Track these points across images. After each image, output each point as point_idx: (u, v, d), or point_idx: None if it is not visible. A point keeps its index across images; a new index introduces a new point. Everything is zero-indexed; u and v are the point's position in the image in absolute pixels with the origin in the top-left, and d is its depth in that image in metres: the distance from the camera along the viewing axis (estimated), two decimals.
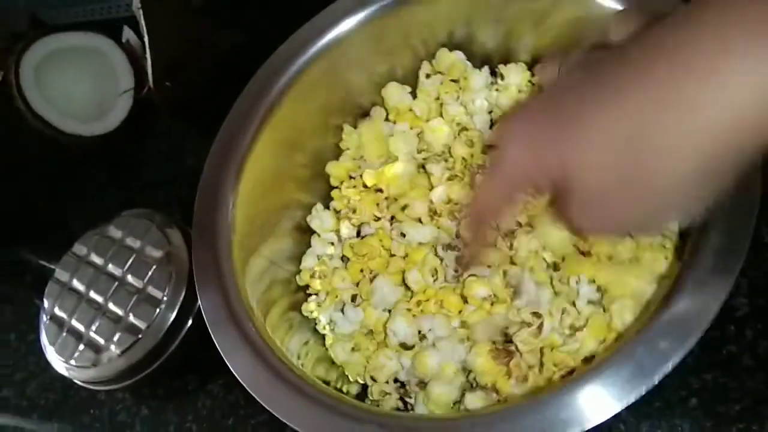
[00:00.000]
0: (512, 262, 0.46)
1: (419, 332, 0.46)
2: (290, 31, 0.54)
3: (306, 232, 0.55)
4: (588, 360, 0.41)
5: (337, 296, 0.50)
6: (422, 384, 0.45)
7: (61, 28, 0.72)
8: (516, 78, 0.53)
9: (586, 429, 0.34)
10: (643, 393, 0.34)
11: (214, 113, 0.54)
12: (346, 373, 0.48)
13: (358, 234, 0.54)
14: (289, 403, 0.40)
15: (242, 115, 0.51)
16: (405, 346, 0.46)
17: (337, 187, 0.56)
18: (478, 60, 0.55)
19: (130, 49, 0.73)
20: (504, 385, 0.42)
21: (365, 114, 0.57)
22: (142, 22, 0.64)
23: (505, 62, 0.54)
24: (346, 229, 0.53)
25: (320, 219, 0.54)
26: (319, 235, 0.55)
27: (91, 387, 0.56)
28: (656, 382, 0.34)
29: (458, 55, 0.54)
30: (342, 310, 0.50)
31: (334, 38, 0.52)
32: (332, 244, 0.54)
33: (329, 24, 0.52)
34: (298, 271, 0.54)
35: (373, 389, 0.46)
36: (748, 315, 0.44)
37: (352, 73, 0.55)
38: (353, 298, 0.49)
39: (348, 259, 0.52)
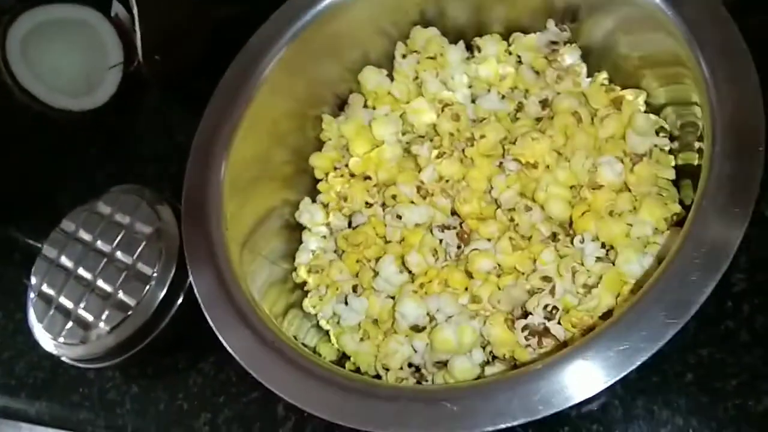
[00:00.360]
0: (515, 230, 0.45)
1: (428, 314, 0.45)
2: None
3: (296, 229, 0.54)
4: (605, 316, 0.41)
5: (337, 288, 0.49)
6: (439, 364, 0.44)
7: (47, 1, 0.70)
8: (493, 48, 0.52)
9: (574, 403, 0.33)
10: (637, 365, 0.33)
11: (205, 88, 0.53)
12: (357, 365, 0.47)
13: (350, 225, 0.53)
14: (284, 376, 0.39)
15: (220, 112, 0.49)
16: (416, 329, 0.45)
17: (322, 180, 0.55)
18: (452, 36, 0.54)
19: (119, 23, 0.71)
20: (522, 354, 0.42)
21: (343, 103, 0.56)
22: None
23: (479, 35, 0.54)
24: (338, 221, 0.52)
25: (309, 213, 0.53)
26: (310, 230, 0.53)
27: (80, 365, 0.55)
28: (655, 351, 0.33)
29: (432, 31, 0.53)
30: (345, 302, 0.49)
31: (301, 26, 0.51)
32: (324, 237, 0.53)
33: (297, 13, 0.51)
34: (293, 269, 0.52)
35: (389, 378, 0.45)
36: (746, 291, 0.44)
37: (324, 61, 0.54)
38: (354, 288, 0.49)
39: (343, 250, 0.51)
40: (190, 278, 0.44)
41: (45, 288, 0.56)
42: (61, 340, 0.53)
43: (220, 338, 0.41)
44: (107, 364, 0.54)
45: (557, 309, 0.41)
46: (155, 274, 0.53)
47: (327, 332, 0.50)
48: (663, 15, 0.41)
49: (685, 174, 0.45)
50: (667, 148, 0.46)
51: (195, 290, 0.43)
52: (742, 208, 0.34)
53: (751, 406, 0.41)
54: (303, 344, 0.46)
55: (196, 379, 0.55)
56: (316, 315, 0.50)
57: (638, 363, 0.32)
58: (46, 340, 0.55)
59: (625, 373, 0.32)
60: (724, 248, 0.33)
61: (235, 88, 0.50)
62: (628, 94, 0.48)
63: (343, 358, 0.49)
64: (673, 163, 0.46)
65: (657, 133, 0.46)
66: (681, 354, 0.43)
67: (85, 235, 0.57)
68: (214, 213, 0.46)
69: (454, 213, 0.49)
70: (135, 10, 0.63)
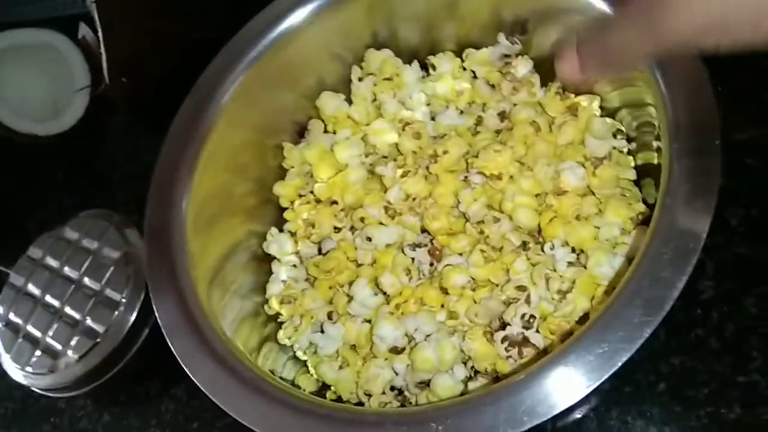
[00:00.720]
0: (486, 243, 0.45)
1: (406, 334, 0.45)
2: None
3: (264, 260, 0.53)
4: (582, 319, 0.41)
5: (312, 317, 0.48)
6: (422, 384, 0.44)
7: (14, 25, 0.69)
8: (447, 66, 0.53)
9: (556, 413, 0.33)
10: (614, 370, 0.33)
11: (172, 110, 0.53)
12: (338, 394, 0.46)
13: (320, 251, 0.52)
14: (251, 406, 0.38)
15: (178, 146, 0.48)
16: (395, 351, 0.44)
17: (287, 208, 0.54)
18: (405, 56, 0.55)
19: (87, 46, 0.71)
20: (503, 366, 0.42)
21: (302, 130, 0.56)
22: (96, 15, 0.62)
23: (432, 54, 0.54)
24: (307, 248, 0.52)
25: (278, 243, 0.52)
26: (279, 260, 0.53)
27: (51, 394, 0.54)
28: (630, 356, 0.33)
29: (386, 53, 0.54)
30: (321, 330, 0.48)
31: (255, 56, 0.50)
32: (294, 266, 0.52)
33: (250, 42, 0.50)
34: (265, 301, 0.51)
35: (371, 403, 0.44)
36: (714, 298, 0.44)
37: (281, 89, 0.53)
38: (329, 315, 0.48)
39: (314, 278, 0.50)
40: (155, 311, 0.43)
41: (12, 317, 0.55)
42: (30, 369, 0.53)
43: (185, 368, 0.41)
44: (77, 393, 0.53)
45: (534, 317, 0.41)
46: (124, 300, 0.52)
47: (305, 363, 0.49)
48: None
49: (645, 173, 0.45)
50: (625, 150, 0.47)
51: (158, 319, 0.42)
52: (705, 201, 0.34)
53: (723, 414, 0.42)
54: (281, 378, 0.45)
55: (169, 406, 0.54)
56: (292, 346, 0.49)
57: (618, 364, 0.32)
58: (14, 370, 0.54)
59: (606, 376, 0.32)
60: (692, 242, 0.34)
61: (192, 121, 0.49)
62: (583, 101, 0.48)
63: (323, 388, 0.48)
64: (632, 164, 0.46)
65: (614, 135, 0.47)
66: (653, 363, 0.44)
67: (52, 262, 0.56)
68: (178, 252, 0.45)
69: (423, 230, 0.49)
70: (100, 33, 0.63)
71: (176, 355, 0.41)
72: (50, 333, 0.53)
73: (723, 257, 0.45)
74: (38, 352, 0.53)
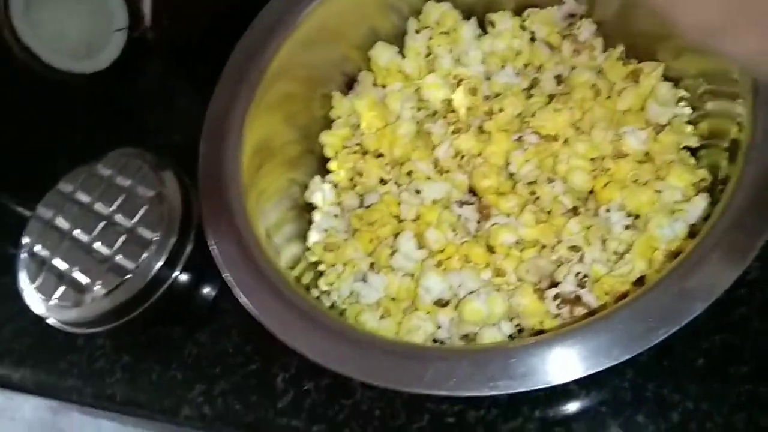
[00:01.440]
0: (535, 204, 0.45)
1: (450, 288, 0.44)
2: None
3: (305, 210, 0.53)
4: (638, 282, 0.40)
5: (354, 266, 0.47)
6: (466, 337, 0.43)
7: None
8: (507, 24, 0.52)
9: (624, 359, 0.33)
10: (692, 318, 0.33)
11: (212, 57, 0.52)
12: None
13: (361, 204, 0.51)
14: (314, 339, 0.37)
15: (229, 90, 0.48)
16: (440, 303, 0.44)
17: (331, 159, 0.53)
18: (463, 12, 0.54)
19: None
20: (551, 324, 0.41)
21: (351, 82, 0.55)
22: None
23: (490, 12, 0.53)
24: (350, 200, 0.51)
25: (321, 192, 0.52)
26: (321, 209, 0.52)
27: (70, 329, 0.52)
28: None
29: (447, 6, 0.53)
30: (364, 279, 0.47)
31: (309, 4, 0.50)
32: (336, 216, 0.52)
33: None
34: (306, 249, 0.51)
35: None
36: (760, 279, 0.44)
37: (332, 39, 0.53)
38: (371, 266, 0.47)
39: (356, 230, 0.50)
40: (210, 245, 0.42)
41: (38, 249, 0.53)
42: (54, 301, 0.51)
43: (242, 299, 0.40)
44: (99, 330, 0.52)
45: (588, 277, 0.41)
46: (156, 239, 0.51)
47: (342, 313, 0.48)
48: None
49: (704, 143, 0.45)
50: (685, 119, 0.46)
51: (214, 254, 0.42)
52: None
53: (762, 392, 0.41)
54: None
55: (192, 350, 0.53)
56: (330, 294, 0.49)
57: (695, 313, 0.32)
58: (36, 302, 0.52)
59: (686, 322, 0.32)
60: (762, 224, 0.33)
61: (244, 66, 0.48)
62: (647, 67, 0.48)
63: None
64: (692, 133, 0.46)
65: (677, 103, 0.46)
66: (693, 339, 0.43)
67: (83, 197, 0.54)
68: (232, 190, 0.45)
69: (471, 191, 0.48)
70: None
71: (231, 284, 0.40)
72: (77, 267, 0.51)
73: None
74: (63, 286, 0.51)
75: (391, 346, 0.37)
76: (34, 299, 0.53)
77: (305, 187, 0.53)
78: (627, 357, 0.32)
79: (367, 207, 0.50)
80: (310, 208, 0.53)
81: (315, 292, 0.48)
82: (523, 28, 0.52)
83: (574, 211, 0.44)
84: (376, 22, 0.54)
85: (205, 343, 0.53)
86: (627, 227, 0.42)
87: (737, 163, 0.36)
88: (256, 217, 0.44)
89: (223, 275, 0.41)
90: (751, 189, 0.35)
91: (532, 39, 0.52)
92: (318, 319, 0.37)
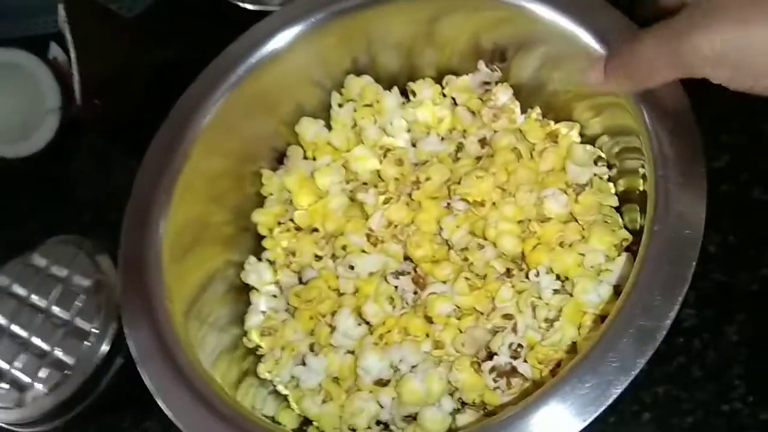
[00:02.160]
0: (470, 270, 0.45)
1: (391, 365, 0.44)
2: (228, 44, 0.52)
3: (242, 291, 0.52)
4: (571, 350, 0.41)
5: (293, 349, 0.47)
6: (409, 418, 0.43)
7: None
8: (427, 92, 0.52)
9: None
10: (605, 407, 0.33)
11: (145, 132, 0.51)
12: (321, 430, 0.45)
13: (300, 281, 0.51)
14: None
15: (153, 173, 0.47)
16: (381, 383, 0.43)
17: (266, 237, 0.53)
18: (385, 82, 0.54)
19: (58, 67, 0.69)
20: (492, 398, 0.41)
21: (281, 156, 0.55)
22: (69, 36, 0.61)
23: (411, 80, 0.54)
24: (287, 278, 0.50)
25: (257, 272, 0.51)
26: (258, 290, 0.51)
27: (17, 430, 0.52)
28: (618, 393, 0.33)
29: (366, 79, 0.53)
30: (303, 363, 0.46)
31: (234, 81, 0.50)
32: (274, 296, 0.51)
33: (229, 67, 0.50)
34: (244, 334, 0.50)
35: None
36: (696, 326, 0.45)
37: (259, 115, 0.53)
38: (311, 347, 0.46)
39: (295, 308, 0.49)
40: (128, 341, 0.42)
41: None
42: None
43: (158, 401, 0.39)
44: (47, 428, 0.51)
45: (522, 347, 0.41)
46: (95, 329, 0.51)
47: (286, 398, 0.47)
48: (587, 48, 0.43)
49: (626, 199, 0.46)
50: (605, 177, 0.47)
51: (131, 350, 0.41)
52: (694, 228, 0.35)
53: None
54: (262, 414, 0.44)
55: None
56: (272, 381, 0.48)
57: (614, 396, 0.32)
58: None
59: (603, 408, 0.32)
60: (682, 270, 0.34)
61: (168, 147, 0.48)
62: (563, 128, 0.49)
63: (305, 423, 0.46)
64: (613, 190, 0.47)
65: (595, 162, 0.47)
66: (636, 393, 0.43)
67: (20, 290, 0.54)
68: (154, 282, 0.43)
69: (406, 258, 0.48)
70: (72, 54, 0.61)
71: (150, 388, 0.39)
72: (17, 364, 0.50)
73: (703, 285, 0.45)
74: (5, 385, 0.50)
75: None
76: None
77: (242, 267, 0.52)
78: None
79: (305, 283, 0.50)
80: (248, 288, 0.52)
81: (254, 380, 0.47)
82: (443, 95, 0.53)
83: (508, 273, 0.44)
84: (302, 98, 0.54)
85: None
86: (556, 291, 0.43)
87: (647, 217, 0.37)
88: (183, 305, 0.44)
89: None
90: (661, 243, 0.35)
91: (455, 103, 0.52)
92: (239, 424, 0.37)
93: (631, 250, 0.43)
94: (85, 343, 0.50)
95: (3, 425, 0.51)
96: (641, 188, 0.42)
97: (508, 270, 0.44)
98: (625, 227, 0.45)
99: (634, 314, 0.33)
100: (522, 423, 0.33)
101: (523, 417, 0.33)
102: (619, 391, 0.32)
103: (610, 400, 0.32)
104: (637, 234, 0.43)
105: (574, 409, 0.32)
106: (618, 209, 0.46)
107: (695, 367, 0.43)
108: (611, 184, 0.47)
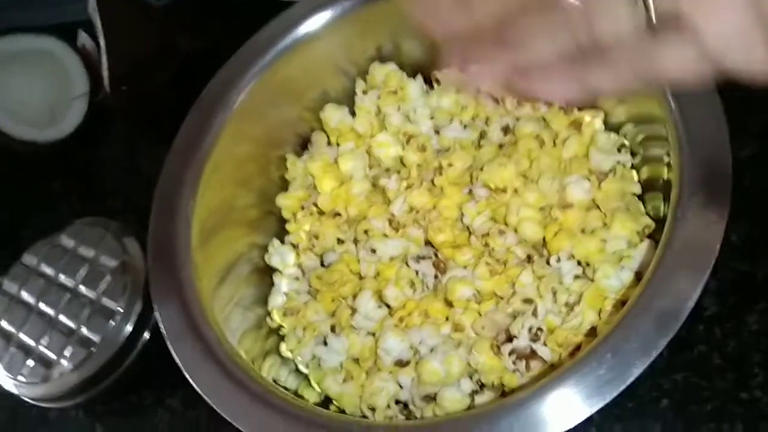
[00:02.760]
0: (490, 256, 0.46)
1: (411, 347, 0.45)
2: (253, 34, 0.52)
3: (266, 273, 0.53)
4: (590, 333, 0.41)
5: (315, 330, 0.48)
6: (428, 398, 0.43)
7: (13, 31, 0.69)
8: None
9: (570, 427, 0.33)
10: (620, 391, 0.33)
11: (171, 119, 0.52)
12: (342, 408, 0.46)
13: (322, 264, 0.52)
14: (255, 415, 0.37)
15: (182, 157, 0.48)
16: (401, 364, 0.44)
17: (289, 221, 0.54)
18: (409, 70, 0.55)
19: (86, 54, 0.71)
20: (510, 380, 0.41)
21: (305, 142, 0.56)
22: (98, 24, 0.62)
23: (436, 69, 0.54)
24: (309, 261, 0.51)
25: (280, 255, 0.52)
26: (281, 272, 0.52)
27: (42, 404, 0.53)
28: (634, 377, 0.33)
29: (391, 66, 0.54)
30: (324, 343, 0.47)
31: (260, 68, 0.51)
32: (297, 278, 0.52)
33: (256, 55, 0.51)
34: (267, 314, 0.51)
35: (376, 417, 0.44)
36: (717, 315, 0.45)
37: (284, 101, 0.54)
38: (332, 328, 0.47)
39: (317, 290, 0.50)
40: (158, 319, 0.43)
41: (4, 324, 0.54)
42: (21, 379, 0.51)
43: (188, 376, 0.40)
44: (70, 403, 0.52)
45: (541, 330, 0.41)
46: (120, 309, 0.51)
47: (307, 376, 0.48)
48: None
49: (649, 187, 0.46)
50: (629, 164, 0.47)
51: (160, 325, 0.42)
52: (718, 215, 0.35)
53: (726, 430, 0.41)
54: (285, 388, 0.45)
55: (164, 417, 0.53)
56: (294, 359, 0.49)
57: (633, 377, 0.32)
58: (5, 380, 0.52)
59: (622, 388, 0.32)
60: (706, 255, 0.34)
61: (196, 132, 0.49)
62: (587, 115, 0.49)
63: (326, 402, 0.47)
64: (636, 178, 0.47)
65: (619, 150, 0.47)
66: (655, 379, 0.43)
67: (48, 269, 0.55)
68: (182, 262, 0.45)
69: (427, 243, 0.49)
70: (102, 41, 0.62)
71: (179, 364, 0.40)
72: (44, 342, 0.52)
73: (725, 274, 0.45)
74: (31, 361, 0.52)
75: (337, 423, 0.36)
76: (2, 377, 0.53)
77: (265, 249, 0.53)
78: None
79: (327, 266, 0.50)
80: (271, 270, 0.53)
81: (277, 359, 0.48)
82: None
83: (528, 260, 0.45)
84: (327, 84, 0.55)
85: (176, 409, 0.53)
86: (577, 277, 0.43)
87: (671, 205, 0.37)
88: (210, 288, 0.45)
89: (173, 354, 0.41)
90: (685, 230, 0.36)
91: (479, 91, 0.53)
92: (265, 399, 0.37)
93: (653, 237, 0.43)
94: (111, 322, 0.51)
95: (28, 400, 0.53)
96: (665, 177, 0.42)
97: (529, 256, 0.45)
98: (648, 215, 0.45)
99: (656, 297, 0.33)
100: (539, 403, 0.33)
101: (540, 397, 0.33)
102: (639, 371, 0.32)
103: (629, 381, 0.32)
104: (659, 222, 0.43)
105: (591, 390, 0.32)
106: (640, 197, 0.46)
107: (715, 355, 0.43)
108: (634, 172, 0.47)
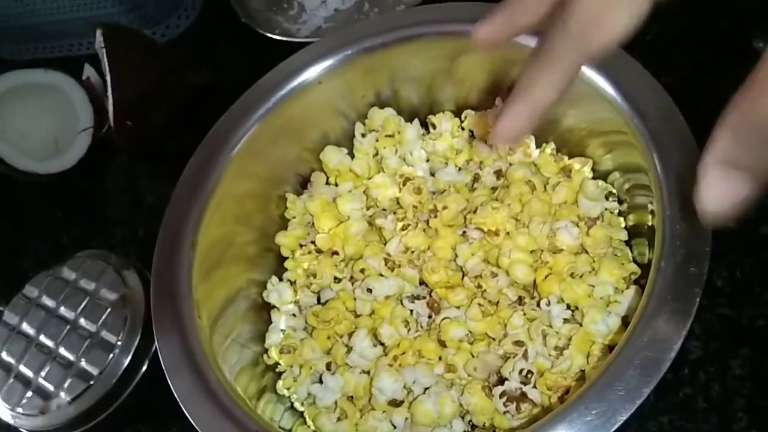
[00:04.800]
0: (483, 297, 0.47)
1: (404, 387, 0.46)
2: (258, 71, 0.54)
3: (263, 309, 0.54)
4: (579, 378, 0.42)
5: (311, 368, 0.49)
6: None
7: (20, 65, 0.71)
8: (447, 125, 0.55)
9: None
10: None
11: (174, 154, 0.54)
12: None
13: (319, 301, 0.53)
14: None
15: (187, 195, 0.50)
16: (394, 403, 0.45)
17: (288, 258, 0.55)
18: (407, 115, 0.57)
19: (91, 87, 0.72)
20: (501, 421, 0.42)
21: (305, 181, 0.58)
22: (105, 59, 0.64)
23: (432, 113, 0.57)
24: (307, 298, 0.52)
25: (278, 292, 0.53)
26: (279, 309, 0.53)
27: None
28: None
29: (389, 111, 0.56)
30: (320, 381, 0.48)
31: (265, 111, 0.52)
32: (294, 315, 0.53)
33: (261, 98, 0.52)
34: (264, 351, 0.52)
35: None
36: (702, 359, 0.46)
37: (287, 142, 0.55)
38: (328, 365, 0.48)
39: (313, 328, 0.51)
40: (159, 352, 0.43)
41: (4, 356, 0.54)
42: (20, 410, 0.52)
43: (184, 409, 0.41)
44: None
45: (532, 373, 0.42)
46: (119, 342, 0.52)
47: (302, 414, 0.49)
48: (603, 91, 0.45)
49: (636, 233, 0.47)
50: (616, 211, 0.49)
51: (160, 358, 0.43)
52: (698, 265, 0.36)
53: None
54: (280, 427, 0.45)
55: None
56: (289, 397, 0.49)
57: (619, 423, 0.34)
58: (2, 411, 0.53)
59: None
60: (686, 305, 0.35)
61: (201, 171, 0.50)
62: (576, 163, 0.51)
63: None
64: (623, 225, 0.48)
65: (606, 197, 0.49)
66: (642, 422, 0.44)
67: (48, 301, 0.56)
68: (183, 297, 0.46)
69: (422, 283, 0.50)
70: (108, 77, 0.64)
71: (178, 399, 0.41)
72: (43, 374, 0.52)
73: (709, 318, 0.46)
74: (29, 393, 0.52)
75: None
76: (0, 408, 0.53)
77: (264, 286, 0.54)
78: None
79: (324, 303, 0.52)
80: (268, 307, 0.54)
81: (272, 396, 0.49)
82: (462, 128, 0.55)
83: (520, 301, 0.46)
84: (327, 127, 0.57)
85: None
86: (566, 320, 0.44)
87: (654, 252, 0.39)
88: (209, 321, 0.46)
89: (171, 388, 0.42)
90: (667, 278, 0.37)
91: (472, 135, 0.54)
92: None
93: (640, 283, 0.44)
94: (110, 355, 0.52)
95: (26, 431, 0.53)
96: (650, 223, 0.44)
97: (520, 298, 0.46)
98: (635, 260, 0.46)
99: (641, 346, 0.35)
100: None
101: None
102: (624, 418, 0.34)
103: (615, 427, 0.34)
104: (645, 267, 0.44)
105: None
106: (627, 243, 0.47)
107: (700, 399, 0.44)
108: (621, 219, 0.48)
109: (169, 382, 0.42)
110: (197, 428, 0.40)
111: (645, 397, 0.33)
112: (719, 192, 0.23)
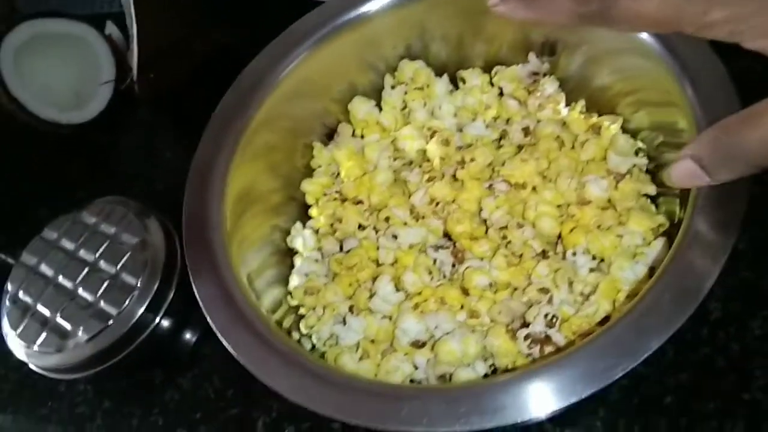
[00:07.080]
0: (507, 248, 0.47)
1: (426, 330, 0.46)
2: (282, 30, 0.54)
3: (287, 255, 0.54)
4: (603, 322, 0.42)
5: (334, 309, 0.49)
6: (443, 378, 0.44)
7: (45, 14, 0.71)
8: (476, 80, 0.55)
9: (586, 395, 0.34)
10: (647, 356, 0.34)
11: (195, 109, 0.54)
12: None
13: (341, 249, 0.53)
14: (291, 377, 0.38)
15: (216, 139, 0.50)
16: (417, 344, 0.45)
17: (312, 206, 0.55)
18: (435, 70, 0.57)
19: (112, 43, 0.73)
20: (523, 363, 0.42)
21: (331, 132, 0.58)
22: (132, 11, 0.64)
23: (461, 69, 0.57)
24: (329, 245, 0.53)
25: (302, 238, 0.53)
26: (302, 254, 0.54)
27: (52, 375, 0.53)
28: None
29: (420, 64, 0.56)
30: (343, 322, 0.48)
31: (294, 59, 0.52)
32: (316, 261, 0.53)
33: (290, 46, 0.53)
34: (286, 294, 0.52)
35: None
36: (721, 319, 0.46)
37: (315, 93, 0.55)
38: (350, 309, 0.48)
39: (335, 274, 0.51)
40: (193, 287, 0.44)
41: (21, 295, 0.54)
42: (36, 348, 0.52)
43: (222, 340, 0.41)
44: (81, 375, 0.52)
45: (557, 317, 0.43)
46: (139, 285, 0.52)
47: (323, 355, 0.49)
48: (642, 44, 0.44)
49: (662, 192, 0.47)
50: (644, 168, 0.49)
51: (196, 294, 0.43)
52: (732, 222, 0.37)
53: (727, 428, 0.42)
54: None
55: (173, 395, 0.54)
56: (310, 338, 0.50)
57: (651, 350, 0.33)
58: (18, 348, 0.53)
59: (642, 359, 0.33)
60: (712, 264, 0.35)
61: (229, 118, 0.50)
62: (606, 120, 0.51)
63: None
64: (650, 181, 0.48)
65: (636, 153, 0.49)
66: (660, 378, 0.45)
67: (68, 244, 0.56)
68: (216, 238, 0.46)
69: (445, 235, 0.50)
70: (134, 29, 0.64)
71: (214, 330, 0.41)
72: (60, 313, 0.52)
73: (731, 280, 0.47)
74: (46, 332, 0.52)
75: (368, 386, 0.38)
76: (16, 345, 0.53)
77: (287, 232, 0.54)
78: (590, 392, 0.33)
79: (347, 252, 0.52)
80: (291, 253, 0.54)
81: (296, 335, 0.49)
82: (491, 84, 0.55)
83: (543, 255, 0.46)
84: (355, 78, 0.57)
85: (186, 388, 0.54)
86: (592, 270, 0.45)
87: (687, 209, 0.38)
88: (239, 262, 0.46)
89: (207, 318, 0.42)
90: (699, 234, 0.37)
91: (501, 94, 0.55)
92: (298, 362, 0.38)
93: (668, 235, 0.45)
94: (128, 297, 0.52)
95: (38, 370, 0.53)
96: None
97: (544, 252, 0.46)
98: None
99: (675, 278, 0.35)
100: (534, 383, 0.34)
101: (534, 377, 0.35)
102: (657, 345, 0.33)
103: (648, 353, 0.33)
104: (672, 226, 0.45)
105: (611, 356, 0.34)
106: (653, 201, 0.48)
107: (719, 358, 0.45)
108: (649, 176, 0.48)
109: (204, 312, 0.42)
110: (236, 356, 0.40)
111: (677, 328, 0.33)
112: (685, 180, 0.29)
